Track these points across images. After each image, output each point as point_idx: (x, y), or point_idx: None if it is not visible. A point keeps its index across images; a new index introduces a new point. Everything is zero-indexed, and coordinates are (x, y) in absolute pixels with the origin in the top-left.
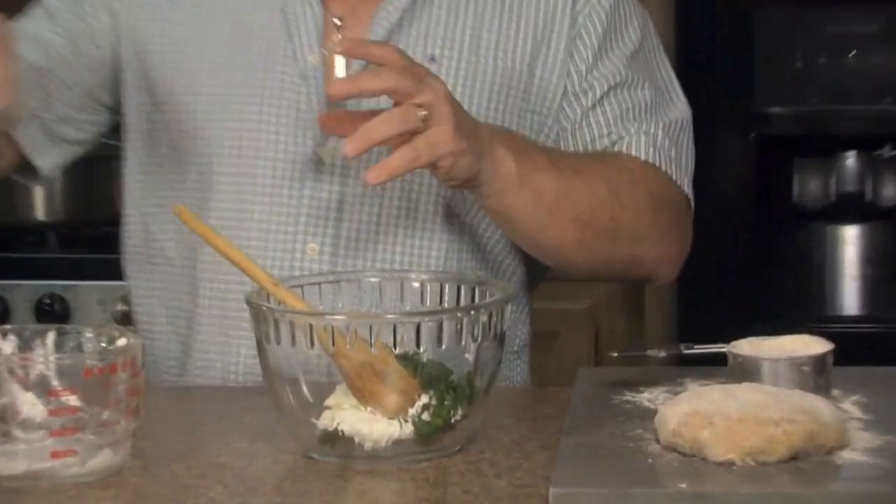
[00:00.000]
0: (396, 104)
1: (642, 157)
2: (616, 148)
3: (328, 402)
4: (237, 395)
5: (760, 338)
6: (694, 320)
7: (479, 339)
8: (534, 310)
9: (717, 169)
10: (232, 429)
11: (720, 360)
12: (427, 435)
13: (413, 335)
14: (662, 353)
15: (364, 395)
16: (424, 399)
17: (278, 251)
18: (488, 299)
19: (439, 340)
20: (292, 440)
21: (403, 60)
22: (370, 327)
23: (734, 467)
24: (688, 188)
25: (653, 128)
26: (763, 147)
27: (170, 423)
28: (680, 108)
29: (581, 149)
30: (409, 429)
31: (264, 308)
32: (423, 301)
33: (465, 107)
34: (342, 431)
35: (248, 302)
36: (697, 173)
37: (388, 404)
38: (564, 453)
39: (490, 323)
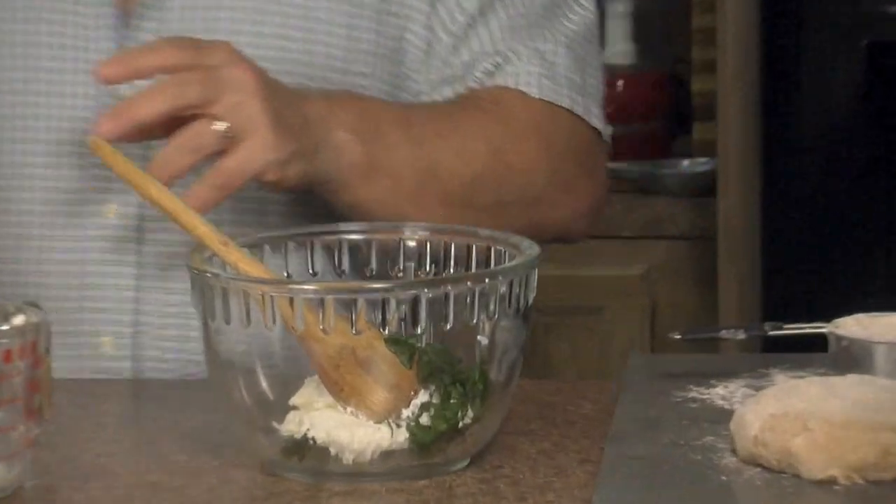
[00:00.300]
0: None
1: (535, 94)
2: (501, 75)
3: (295, 400)
4: (173, 392)
5: (872, 314)
6: (784, 291)
7: (497, 315)
8: (571, 278)
9: (819, 84)
10: (167, 436)
11: (818, 344)
12: (427, 444)
13: (408, 311)
14: (741, 335)
15: (343, 392)
16: (423, 396)
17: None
18: (508, 263)
19: (443, 318)
20: (247, 451)
21: (182, 41)
22: (352, 301)
23: (836, 487)
24: (597, 119)
25: (550, 43)
26: (875, 54)
27: (84, 428)
28: (582, 11)
29: (460, 71)
30: (402, 436)
31: (209, 275)
32: (421, 265)
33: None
34: (313, 440)
35: (189, 267)
36: (788, 93)
37: (374, 403)
38: (609, 469)
39: (511, 294)
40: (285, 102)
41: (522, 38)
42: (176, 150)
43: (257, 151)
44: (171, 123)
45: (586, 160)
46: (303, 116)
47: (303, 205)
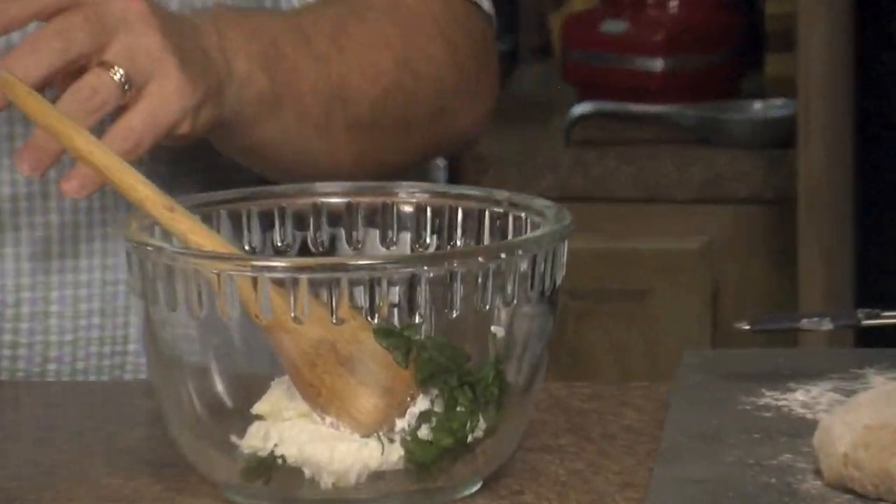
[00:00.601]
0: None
1: None
2: None
3: (259, 408)
4: (102, 398)
5: None
6: (881, 269)
7: (515, 299)
8: (610, 253)
9: None
10: (95, 454)
11: None
12: (427, 464)
13: (404, 295)
14: (827, 325)
15: (320, 397)
16: (423, 403)
17: None
18: (531, 233)
19: (448, 303)
20: (198, 473)
21: None
22: (332, 282)
23: None
24: None
25: None
26: None
27: None
28: None
29: None
30: (396, 453)
31: (150, 249)
32: (420, 236)
33: None
34: (283, 458)
35: (125, 239)
36: (888, 16)
37: (360, 412)
38: (659, 496)
39: (534, 273)
40: (181, 34)
41: None
42: (68, 114)
43: (168, 99)
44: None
45: (483, 54)
46: (202, 49)
47: (189, 162)
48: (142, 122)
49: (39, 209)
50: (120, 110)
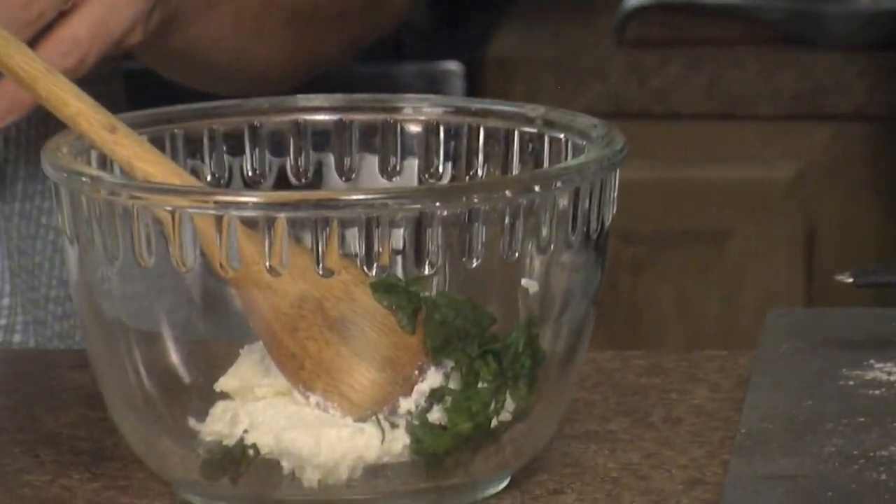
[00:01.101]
0: None
1: None
2: None
3: (224, 383)
4: (23, 371)
5: None
6: None
7: (553, 245)
8: (675, 185)
9: None
10: (18, 443)
11: None
12: (439, 454)
13: (410, 239)
14: None
15: (304, 370)
16: (435, 378)
17: None
18: (573, 159)
19: (467, 249)
20: (147, 466)
21: None
22: (319, 222)
23: None
24: None
25: None
26: None
27: None
28: None
29: None
30: (400, 442)
31: (85, 180)
32: (430, 163)
33: None
34: (255, 448)
35: (54, 167)
36: None
37: (354, 389)
38: (736, 495)
39: (576, 211)
40: None
41: None
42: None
43: (117, 5)
44: None
45: None
46: None
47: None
48: (88, 31)
49: None
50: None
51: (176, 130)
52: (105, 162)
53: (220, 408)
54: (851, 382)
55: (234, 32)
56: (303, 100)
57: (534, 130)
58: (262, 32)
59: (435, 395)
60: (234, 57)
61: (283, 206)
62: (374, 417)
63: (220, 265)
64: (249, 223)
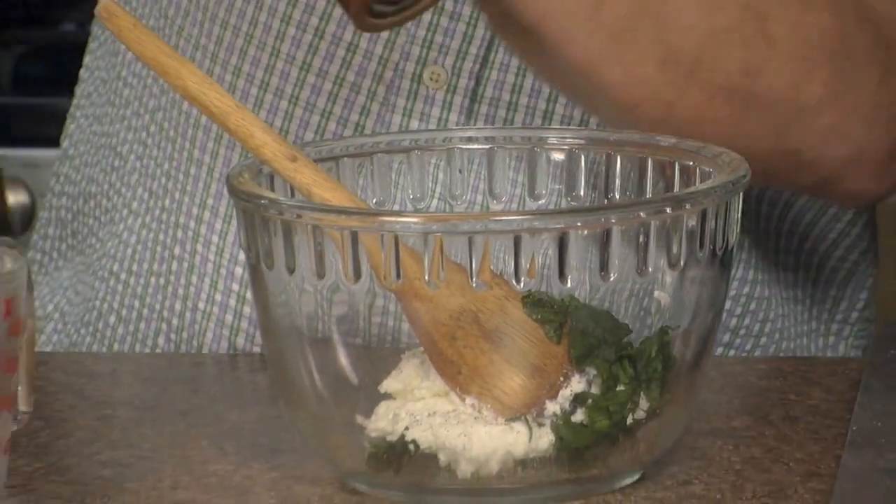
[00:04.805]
0: None
1: None
2: None
3: (388, 385)
4: (210, 373)
5: None
6: None
7: (683, 261)
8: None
9: None
10: (203, 437)
11: None
12: (580, 450)
13: (554, 256)
14: None
15: (460, 375)
16: (578, 384)
17: None
18: (700, 184)
19: (604, 265)
20: (318, 459)
21: None
22: (469, 239)
23: None
24: None
25: None
26: None
27: (83, 424)
28: None
29: None
30: (545, 439)
31: (264, 203)
32: (571, 189)
33: None
34: (415, 444)
35: (232, 190)
36: None
37: (506, 393)
38: (850, 486)
39: (704, 230)
40: None
41: None
42: None
43: None
44: None
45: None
46: None
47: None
48: None
49: None
50: None
51: (346, 159)
52: (287, 187)
53: (384, 407)
54: None
55: (591, 36)
56: (458, 131)
57: (666, 158)
58: (623, 56)
59: (578, 400)
60: (588, 66)
61: (440, 224)
62: (523, 418)
63: (385, 278)
64: (412, 240)
